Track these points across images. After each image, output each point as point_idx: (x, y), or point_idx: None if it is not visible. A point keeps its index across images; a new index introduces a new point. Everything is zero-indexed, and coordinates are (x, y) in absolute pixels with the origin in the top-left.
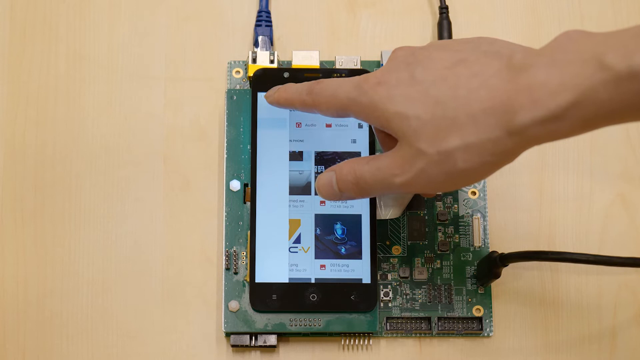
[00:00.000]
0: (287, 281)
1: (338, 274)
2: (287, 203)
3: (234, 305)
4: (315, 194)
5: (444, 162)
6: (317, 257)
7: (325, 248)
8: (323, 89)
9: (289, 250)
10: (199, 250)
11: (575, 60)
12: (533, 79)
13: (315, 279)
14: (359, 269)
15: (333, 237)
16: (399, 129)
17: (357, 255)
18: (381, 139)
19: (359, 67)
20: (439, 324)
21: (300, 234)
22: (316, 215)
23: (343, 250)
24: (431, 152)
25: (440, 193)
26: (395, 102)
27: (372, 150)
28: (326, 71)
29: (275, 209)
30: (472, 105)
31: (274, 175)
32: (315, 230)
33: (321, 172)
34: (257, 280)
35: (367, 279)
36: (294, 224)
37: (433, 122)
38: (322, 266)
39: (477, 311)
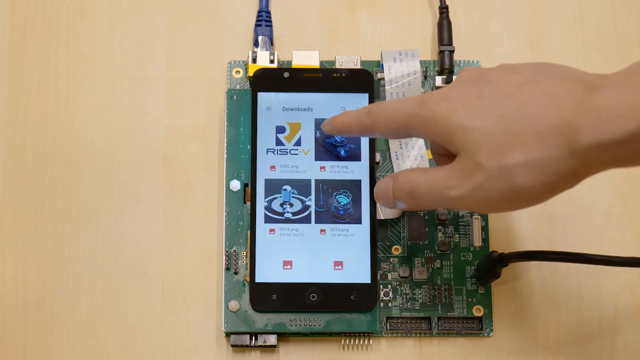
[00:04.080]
0: (287, 281)
1: (337, 276)
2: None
3: (234, 305)
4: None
5: (502, 177)
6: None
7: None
8: (383, 108)
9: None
10: (199, 250)
11: None
12: (601, 101)
13: (315, 280)
14: (359, 270)
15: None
16: (460, 141)
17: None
18: (438, 160)
19: (359, 67)
20: (439, 324)
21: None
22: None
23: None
24: (491, 166)
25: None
26: (459, 116)
27: (372, 149)
28: (326, 71)
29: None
30: (539, 122)
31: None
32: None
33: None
34: (257, 280)
35: (367, 279)
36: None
37: (496, 137)
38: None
39: (477, 311)
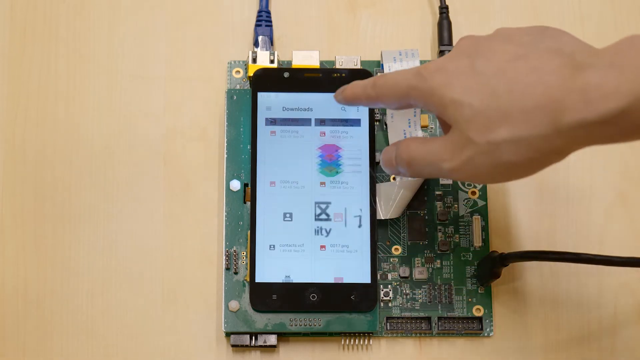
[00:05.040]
0: (287, 281)
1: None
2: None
3: (234, 305)
4: None
5: (491, 152)
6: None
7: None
8: (386, 81)
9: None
10: (199, 250)
11: (632, 66)
12: (588, 80)
13: (315, 279)
14: (359, 270)
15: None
16: (452, 115)
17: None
18: (442, 126)
19: (359, 67)
20: (439, 324)
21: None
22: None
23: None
24: (480, 142)
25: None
26: (452, 90)
27: (373, 150)
28: (326, 71)
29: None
30: (526, 100)
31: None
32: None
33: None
34: (257, 280)
35: (367, 279)
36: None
37: (485, 113)
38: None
39: (477, 311)
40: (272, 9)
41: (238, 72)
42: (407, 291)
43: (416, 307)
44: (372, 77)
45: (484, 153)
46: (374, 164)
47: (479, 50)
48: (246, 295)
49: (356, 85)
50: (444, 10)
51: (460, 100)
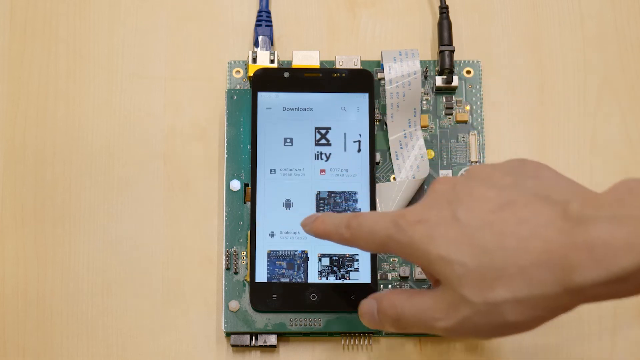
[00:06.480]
0: (287, 281)
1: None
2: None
3: (234, 305)
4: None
5: (491, 313)
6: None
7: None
8: (360, 225)
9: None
10: (199, 250)
11: (637, 217)
12: (594, 236)
13: (315, 280)
14: (359, 270)
15: None
16: (441, 272)
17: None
18: (428, 275)
19: (359, 67)
20: None
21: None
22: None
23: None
24: (477, 302)
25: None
26: (437, 245)
27: (373, 150)
28: (326, 71)
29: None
30: (523, 257)
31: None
32: None
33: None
34: (257, 280)
35: (367, 279)
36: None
37: (479, 271)
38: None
39: None
40: (272, 9)
41: (238, 72)
42: None
43: None
44: (346, 215)
45: (482, 313)
46: (373, 168)
47: (459, 196)
48: (246, 295)
49: (328, 222)
50: (444, 10)
51: (449, 257)
